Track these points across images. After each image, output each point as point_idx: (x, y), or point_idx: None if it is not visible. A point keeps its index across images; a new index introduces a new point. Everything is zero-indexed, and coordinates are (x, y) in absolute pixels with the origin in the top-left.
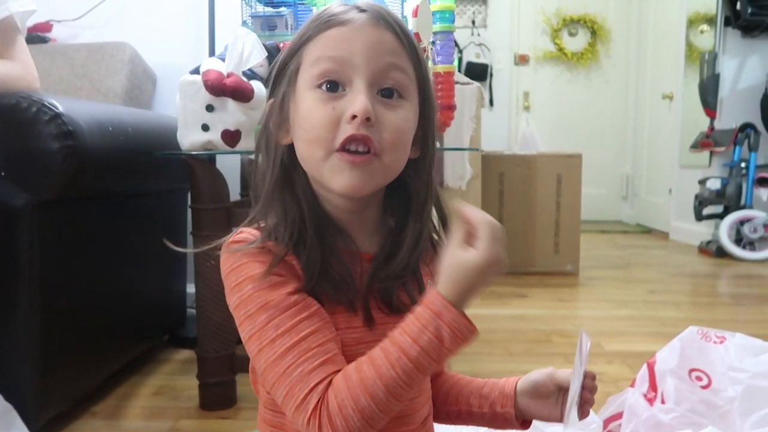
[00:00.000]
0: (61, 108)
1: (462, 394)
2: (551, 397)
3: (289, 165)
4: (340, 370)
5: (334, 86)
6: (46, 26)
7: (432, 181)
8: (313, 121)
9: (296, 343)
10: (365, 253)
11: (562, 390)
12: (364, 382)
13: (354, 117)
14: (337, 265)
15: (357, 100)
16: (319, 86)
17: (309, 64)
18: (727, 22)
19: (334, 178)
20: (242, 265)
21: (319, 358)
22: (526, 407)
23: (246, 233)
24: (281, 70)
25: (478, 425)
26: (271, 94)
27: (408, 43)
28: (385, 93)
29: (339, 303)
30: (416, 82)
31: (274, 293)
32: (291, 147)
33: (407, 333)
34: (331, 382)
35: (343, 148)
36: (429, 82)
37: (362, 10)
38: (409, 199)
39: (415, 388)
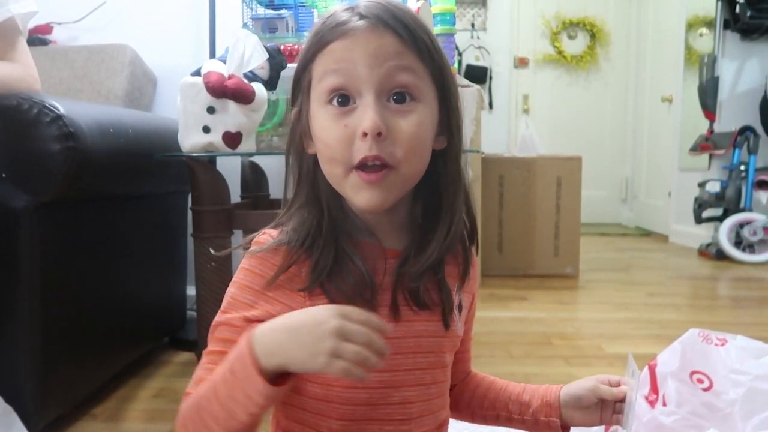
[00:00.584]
0: (62, 110)
1: (499, 399)
2: (592, 407)
3: (315, 172)
4: None
5: (345, 100)
6: (47, 28)
7: (461, 172)
8: (328, 140)
9: (215, 353)
10: (390, 250)
11: (601, 400)
12: (197, 394)
13: (365, 135)
14: (352, 266)
15: (366, 116)
16: (330, 101)
17: (317, 80)
18: (727, 25)
19: (355, 197)
20: (243, 269)
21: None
22: (569, 417)
23: (267, 235)
24: (297, 83)
25: (517, 428)
26: (293, 103)
27: (413, 38)
28: (397, 98)
29: (355, 302)
30: (429, 76)
31: (236, 307)
32: (316, 156)
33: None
34: None
35: (360, 166)
36: (446, 70)
37: (362, 16)
38: (439, 193)
39: (224, 414)
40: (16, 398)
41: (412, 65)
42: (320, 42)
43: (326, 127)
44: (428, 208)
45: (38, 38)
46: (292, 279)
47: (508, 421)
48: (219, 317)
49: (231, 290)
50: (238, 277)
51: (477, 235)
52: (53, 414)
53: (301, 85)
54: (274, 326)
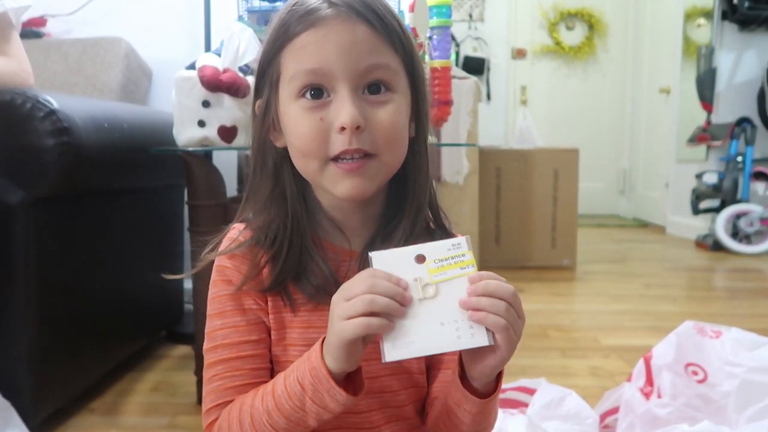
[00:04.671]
0: (55, 104)
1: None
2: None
3: (280, 167)
4: None
5: (318, 93)
6: (41, 21)
7: (427, 160)
8: (302, 134)
9: (231, 359)
10: (356, 252)
11: None
12: (241, 412)
13: (343, 129)
14: (317, 268)
15: (343, 109)
16: (303, 95)
17: (288, 78)
18: (724, 16)
19: (335, 187)
20: (220, 266)
21: (243, 380)
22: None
23: (236, 230)
24: (261, 74)
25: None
26: (257, 95)
27: (385, 27)
28: (372, 89)
29: (318, 302)
30: (402, 64)
31: (231, 304)
32: (284, 149)
33: (287, 369)
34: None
35: (336, 158)
36: (416, 57)
37: (333, 3)
38: (404, 180)
39: (289, 425)
40: (13, 393)
41: (386, 61)
42: (288, 33)
43: (300, 122)
44: (393, 196)
45: (32, 31)
46: (254, 283)
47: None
48: (216, 319)
49: (215, 289)
50: (218, 274)
51: (441, 218)
52: (51, 408)
53: (267, 77)
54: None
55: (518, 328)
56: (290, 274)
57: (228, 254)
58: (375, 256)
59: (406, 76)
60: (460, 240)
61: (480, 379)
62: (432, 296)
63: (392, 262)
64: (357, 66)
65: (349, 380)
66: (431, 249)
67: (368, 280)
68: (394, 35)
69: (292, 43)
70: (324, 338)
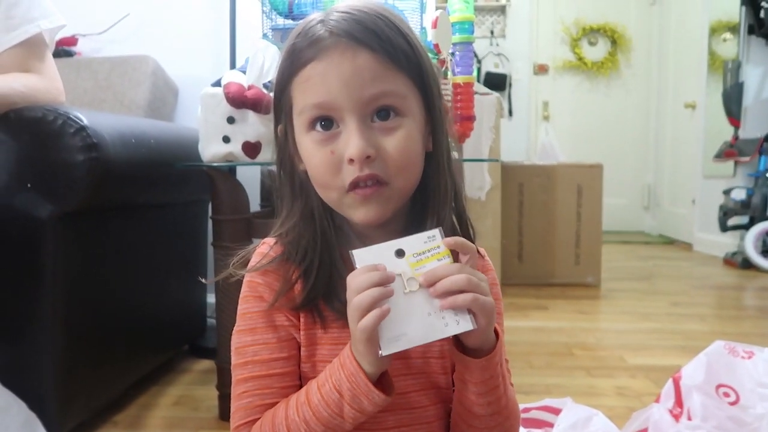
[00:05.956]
0: (85, 121)
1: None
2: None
3: (306, 186)
4: None
5: (328, 123)
6: (72, 40)
7: (451, 175)
8: (315, 166)
9: (261, 377)
10: None
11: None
12: (275, 425)
13: (352, 161)
14: (345, 286)
15: (351, 142)
16: (314, 127)
17: (298, 111)
18: (751, 30)
19: (354, 214)
20: (252, 282)
21: (272, 399)
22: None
23: (266, 245)
24: (277, 103)
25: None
26: (276, 120)
27: (388, 50)
28: (381, 115)
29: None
30: (411, 83)
31: (263, 321)
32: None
33: (317, 378)
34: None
35: (352, 187)
36: (427, 70)
37: (333, 33)
38: (426, 195)
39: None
40: (39, 405)
41: (391, 87)
42: (294, 64)
43: (313, 154)
44: (418, 210)
45: (64, 50)
46: (286, 300)
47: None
48: (247, 335)
49: (246, 305)
50: (250, 289)
51: (468, 229)
52: (75, 421)
53: (282, 106)
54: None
55: (483, 289)
56: (321, 292)
57: (264, 272)
58: (356, 253)
59: (418, 93)
60: (434, 232)
61: (477, 347)
62: (416, 289)
63: (373, 258)
64: (361, 95)
65: (379, 383)
66: (408, 243)
67: (353, 281)
68: (400, 56)
69: (299, 75)
70: (350, 348)
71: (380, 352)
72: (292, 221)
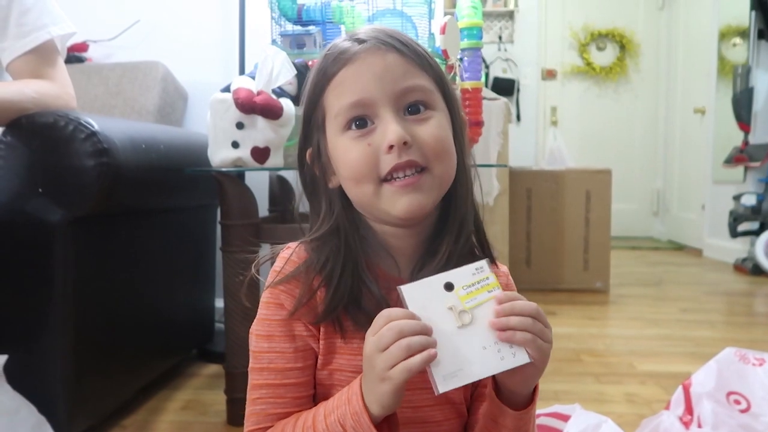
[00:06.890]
0: (96, 126)
1: None
2: None
3: (333, 202)
4: None
5: (363, 123)
6: (83, 46)
7: (468, 179)
8: (352, 161)
9: (276, 386)
10: (404, 279)
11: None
12: None
13: (391, 147)
14: (369, 295)
15: (388, 129)
16: (349, 127)
17: (333, 115)
18: (761, 35)
19: (393, 206)
20: (274, 288)
21: (284, 408)
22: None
23: (289, 249)
24: (308, 121)
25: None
26: (306, 142)
27: (414, 54)
28: (412, 110)
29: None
30: (435, 85)
31: (281, 330)
32: (339, 189)
33: (326, 404)
34: None
35: (391, 178)
36: (446, 79)
37: (362, 41)
38: (448, 199)
39: None
40: (48, 408)
41: (420, 82)
42: (326, 75)
43: (349, 150)
44: (439, 218)
45: (74, 56)
46: (307, 310)
47: None
48: (264, 341)
49: (266, 312)
50: (271, 296)
51: (489, 248)
52: (84, 425)
53: (313, 123)
54: (365, 382)
55: (546, 336)
56: (343, 302)
57: (286, 280)
58: (405, 289)
59: (441, 95)
60: (482, 264)
61: (516, 392)
62: (469, 323)
63: (423, 293)
64: (394, 89)
65: (385, 420)
66: (456, 276)
67: (394, 326)
68: (423, 60)
69: (332, 82)
70: (360, 383)
71: (437, 389)
72: (320, 239)
